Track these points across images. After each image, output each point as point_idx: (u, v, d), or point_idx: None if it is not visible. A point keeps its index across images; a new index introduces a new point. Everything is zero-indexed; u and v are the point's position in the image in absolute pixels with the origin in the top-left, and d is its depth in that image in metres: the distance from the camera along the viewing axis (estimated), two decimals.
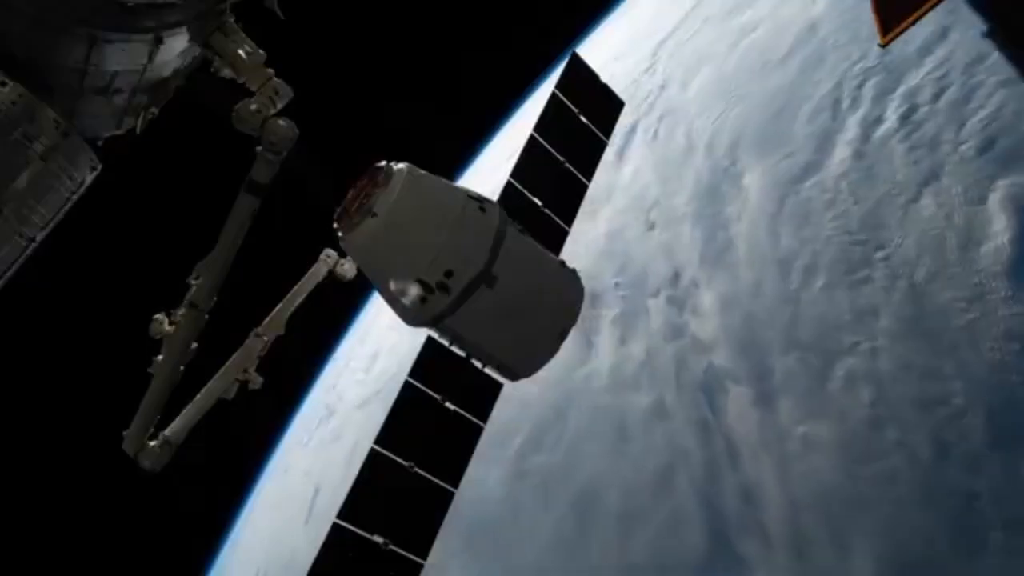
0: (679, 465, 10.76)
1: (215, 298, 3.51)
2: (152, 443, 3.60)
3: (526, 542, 12.62)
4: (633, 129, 19.92)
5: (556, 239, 4.43)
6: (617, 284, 15.43)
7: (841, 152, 11.57)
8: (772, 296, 11.15)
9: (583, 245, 17.51)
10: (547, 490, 13.13)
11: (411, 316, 3.01)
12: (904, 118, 10.74)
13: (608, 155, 21.18)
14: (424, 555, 3.84)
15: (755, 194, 13.12)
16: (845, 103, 12.27)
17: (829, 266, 10.36)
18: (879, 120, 11.22)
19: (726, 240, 13.21)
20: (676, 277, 13.87)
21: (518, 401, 15.29)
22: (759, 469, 9.46)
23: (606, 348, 14.39)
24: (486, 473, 14.48)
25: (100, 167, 3.03)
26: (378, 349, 26.64)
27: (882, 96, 11.54)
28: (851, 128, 11.69)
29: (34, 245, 2.82)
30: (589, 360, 14.57)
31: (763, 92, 15.12)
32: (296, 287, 4.76)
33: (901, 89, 11.19)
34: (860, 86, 12.19)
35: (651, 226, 15.88)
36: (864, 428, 8.43)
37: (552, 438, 14.03)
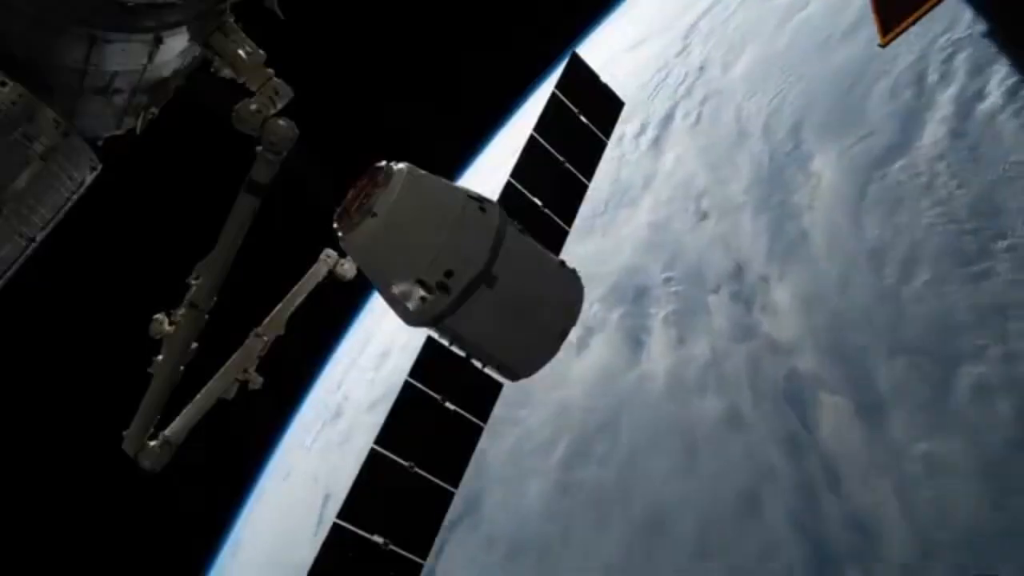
0: (766, 486, 9.24)
1: (215, 298, 3.52)
2: (152, 443, 3.60)
3: (579, 565, 11.23)
4: (670, 115, 18.73)
5: (556, 239, 4.44)
6: (668, 279, 13.93)
7: (933, 131, 10.17)
8: (864, 293, 9.70)
9: (623, 237, 16.31)
10: (601, 508, 11.59)
11: (411, 316, 3.01)
12: (1012, 92, 9.44)
13: (644, 142, 18.89)
14: (424, 555, 3.84)
15: (829, 180, 11.73)
16: (932, 78, 10.86)
17: (934, 258, 8.99)
18: (980, 95, 9.87)
19: (798, 231, 11.70)
20: (739, 271, 12.44)
21: (556, 406, 14.14)
22: (872, 494, 8.02)
23: (659, 349, 12.92)
24: (524, 484, 13.29)
25: (100, 167, 3.03)
26: (388, 348, 25.82)
27: (980, 69, 10.14)
28: (944, 105, 10.34)
29: (34, 245, 2.82)
30: (640, 362, 13.09)
31: (827, 70, 13.51)
32: (296, 287, 4.76)
33: (1004, 60, 9.86)
34: (949, 59, 10.76)
35: (703, 216, 14.40)
36: (1009, 448, 7.07)
37: (602, 449, 12.44)
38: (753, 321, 11.50)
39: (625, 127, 20.24)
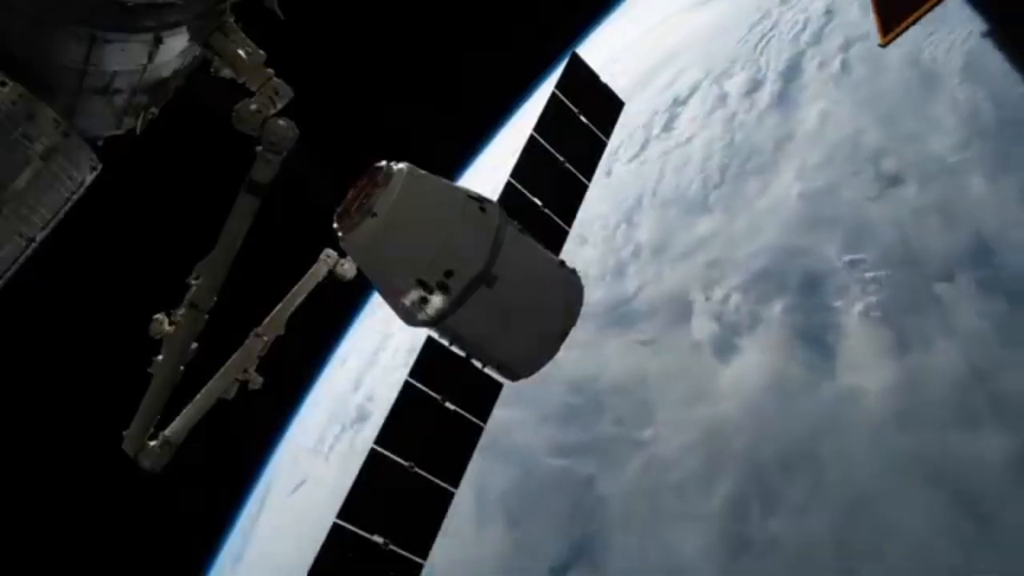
0: None
1: (215, 298, 3.52)
2: (152, 443, 3.60)
3: None
4: (795, 66, 15.81)
5: (556, 239, 4.43)
6: (854, 262, 10.61)
7: None
8: None
9: (761, 211, 13.09)
10: None
11: (411, 316, 3.01)
12: None
13: (761, 99, 16.04)
14: (424, 555, 3.83)
15: None
16: None
17: None
18: None
19: None
20: (985, 252, 9.15)
21: (701, 427, 10.72)
22: None
23: (865, 355, 9.58)
24: (671, 531, 9.95)
25: (100, 167, 3.03)
26: (417, 344, 23.58)
27: None
28: None
29: (34, 245, 2.82)
30: (833, 372, 9.79)
31: None
32: (296, 287, 4.77)
33: None
34: None
35: (891, 182, 11.13)
36: None
37: (798, 492, 8.88)
38: None
39: (725, 84, 17.79)
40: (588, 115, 4.73)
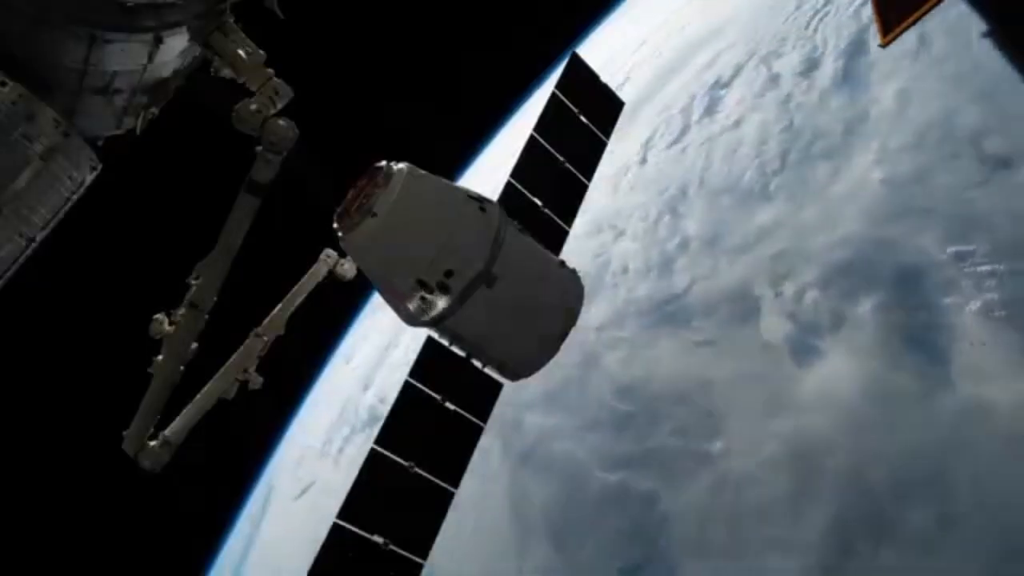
0: None
1: (215, 298, 3.52)
2: (152, 443, 3.60)
3: None
4: (857, 42, 14.19)
5: (556, 239, 4.42)
6: (962, 255, 9.20)
7: None
8: None
9: (834, 198, 11.73)
10: None
11: (411, 316, 3.01)
12: None
13: (820, 79, 14.62)
14: (424, 555, 3.83)
15: None
16: None
17: None
18: None
19: None
20: None
21: (781, 441, 9.42)
22: None
23: (986, 358, 8.20)
24: (765, 561, 8.65)
25: (100, 167, 3.03)
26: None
27: None
28: None
29: (34, 245, 2.82)
30: (948, 381, 8.39)
31: None
32: (296, 287, 4.76)
33: None
34: None
35: (1000, 164, 9.69)
36: None
37: (916, 523, 7.58)
38: None
39: (775, 64, 16.53)
40: (588, 115, 4.73)
